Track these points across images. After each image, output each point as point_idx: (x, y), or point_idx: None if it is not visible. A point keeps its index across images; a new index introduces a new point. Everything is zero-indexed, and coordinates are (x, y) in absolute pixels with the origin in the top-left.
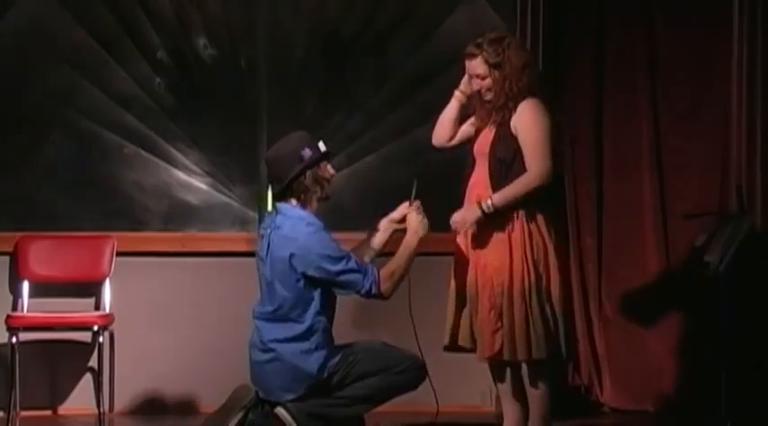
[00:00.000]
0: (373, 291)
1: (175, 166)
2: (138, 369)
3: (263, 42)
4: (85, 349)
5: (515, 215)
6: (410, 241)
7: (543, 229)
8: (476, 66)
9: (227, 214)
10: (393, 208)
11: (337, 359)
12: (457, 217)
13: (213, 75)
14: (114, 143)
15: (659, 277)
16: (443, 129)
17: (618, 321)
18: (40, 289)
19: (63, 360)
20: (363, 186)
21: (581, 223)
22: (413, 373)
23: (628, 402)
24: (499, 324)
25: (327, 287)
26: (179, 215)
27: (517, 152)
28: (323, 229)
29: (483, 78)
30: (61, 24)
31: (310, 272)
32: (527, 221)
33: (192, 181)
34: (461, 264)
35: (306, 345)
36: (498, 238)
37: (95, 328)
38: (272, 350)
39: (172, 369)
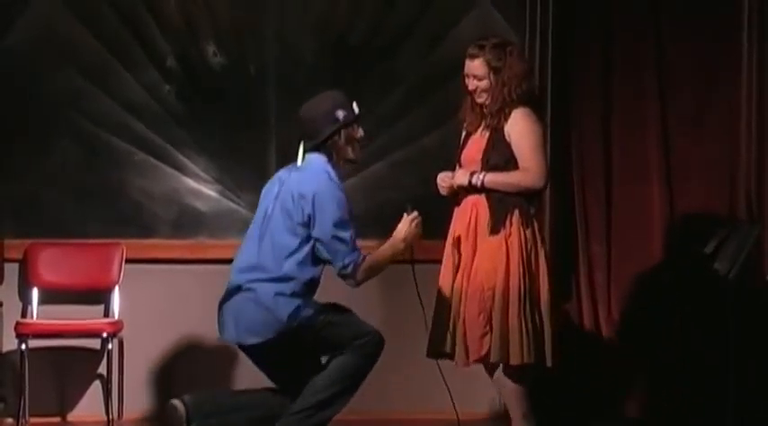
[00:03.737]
0: (349, 271)
1: (184, 173)
2: (147, 376)
3: (272, 49)
4: (95, 356)
5: (512, 220)
6: (395, 243)
7: (537, 235)
8: (476, 66)
9: (235, 221)
10: (401, 215)
11: (311, 312)
12: (445, 176)
13: (222, 81)
14: (123, 150)
15: (668, 284)
16: None
17: (626, 328)
18: (50, 296)
19: (72, 367)
20: (372, 193)
21: (589, 230)
22: (373, 348)
23: (635, 410)
24: (487, 328)
25: (315, 242)
26: (188, 222)
27: (510, 159)
28: (343, 191)
29: (480, 79)
30: (70, 31)
31: (313, 222)
32: (523, 227)
33: (200, 188)
34: (449, 270)
35: (282, 287)
36: (495, 243)
37: (104, 335)
38: (250, 290)
39: (181, 376)
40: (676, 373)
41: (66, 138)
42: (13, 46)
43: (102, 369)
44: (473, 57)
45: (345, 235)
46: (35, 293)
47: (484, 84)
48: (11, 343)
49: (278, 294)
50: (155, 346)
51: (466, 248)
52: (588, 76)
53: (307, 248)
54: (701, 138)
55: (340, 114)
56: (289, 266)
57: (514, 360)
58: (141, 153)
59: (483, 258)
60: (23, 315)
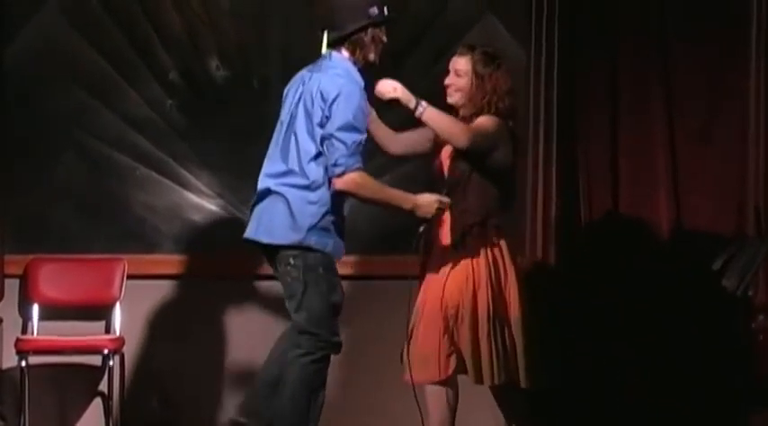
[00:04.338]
0: (338, 171)
1: (187, 188)
2: (148, 394)
3: (276, 62)
4: (95, 373)
5: (477, 236)
6: (409, 198)
7: (506, 254)
8: (461, 62)
9: (238, 236)
10: (408, 230)
11: (327, 247)
12: (388, 83)
13: (225, 95)
14: (126, 165)
15: (675, 301)
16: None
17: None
18: (50, 312)
19: (73, 384)
20: (378, 208)
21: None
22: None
23: None
24: (452, 348)
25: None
26: (190, 237)
27: (474, 169)
28: (362, 91)
29: (459, 76)
30: (73, 46)
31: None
32: (489, 243)
33: (203, 203)
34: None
35: (310, 196)
36: (462, 263)
37: (105, 352)
38: (279, 193)
39: (183, 394)
40: (683, 390)
41: (67, 153)
42: (14, 61)
43: (104, 387)
44: (461, 54)
45: (347, 137)
46: (35, 309)
47: (461, 82)
48: (11, 360)
49: (306, 202)
50: (157, 363)
51: (439, 264)
52: (594, 91)
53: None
54: (708, 153)
55: (373, 11)
56: (314, 172)
57: (485, 381)
58: (143, 167)
59: (451, 276)
60: (24, 331)
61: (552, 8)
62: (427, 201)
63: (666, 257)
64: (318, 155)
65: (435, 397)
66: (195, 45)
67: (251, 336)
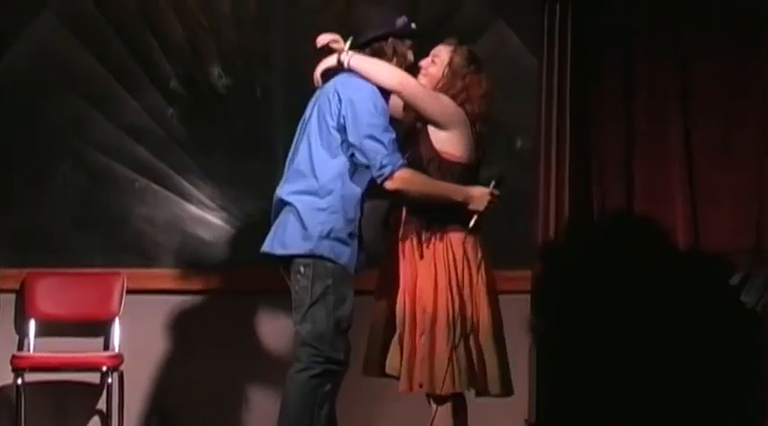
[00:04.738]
0: (386, 174)
1: (188, 200)
2: (148, 413)
3: (280, 71)
4: (94, 390)
5: (437, 237)
6: (462, 190)
7: (470, 253)
8: (441, 50)
9: (241, 250)
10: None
11: (343, 258)
12: (328, 35)
13: (228, 104)
14: (125, 176)
15: (692, 318)
16: None
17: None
18: (47, 328)
19: (70, 402)
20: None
21: None
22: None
23: None
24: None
25: (351, 149)
26: (192, 251)
27: (434, 157)
28: (382, 99)
29: (434, 63)
30: (70, 53)
31: (347, 125)
32: (450, 245)
33: (205, 216)
34: (390, 286)
35: (320, 202)
36: (426, 261)
37: (104, 369)
38: (290, 203)
39: (184, 413)
40: (702, 407)
41: (65, 164)
42: (9, 68)
43: (102, 405)
44: (446, 43)
45: (383, 136)
46: (32, 325)
47: (433, 69)
48: (7, 377)
49: (315, 209)
50: (157, 381)
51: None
52: (609, 101)
53: (343, 157)
54: (727, 166)
55: (399, 22)
56: (325, 177)
57: (442, 389)
58: (143, 179)
59: (421, 276)
60: (20, 347)
61: (565, 15)
62: (480, 193)
63: (682, 272)
64: (332, 159)
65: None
66: (196, 52)
67: (255, 353)
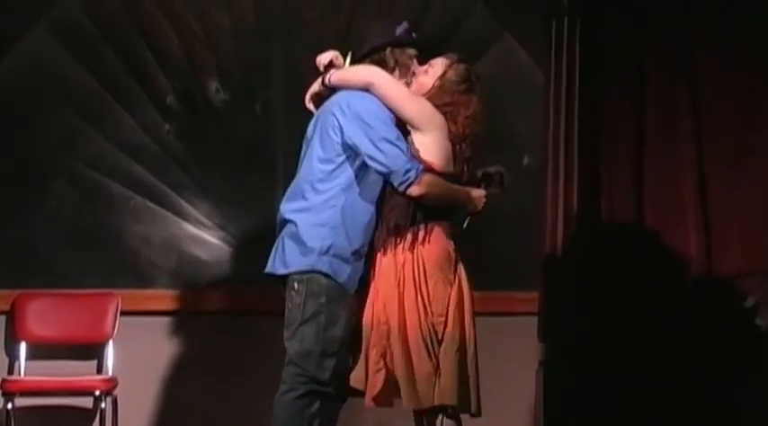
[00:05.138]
0: (411, 178)
1: (185, 219)
2: None
3: (280, 85)
4: (87, 416)
5: (402, 243)
6: (464, 191)
7: (442, 261)
8: (437, 62)
9: (239, 270)
10: None
11: (343, 276)
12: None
13: (226, 120)
14: (120, 194)
15: (704, 341)
16: None
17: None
18: (39, 351)
19: None
20: None
21: None
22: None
23: None
24: (381, 364)
25: (366, 158)
26: (188, 271)
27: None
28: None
29: (427, 73)
30: (64, 67)
31: (351, 138)
32: (418, 251)
33: (202, 235)
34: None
35: (319, 218)
36: (389, 269)
37: (97, 393)
38: (291, 221)
39: None
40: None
41: (58, 182)
42: (1, 84)
43: None
44: (445, 56)
45: (398, 142)
46: (23, 347)
47: (423, 78)
48: None
49: (314, 224)
50: (151, 405)
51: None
52: (619, 117)
53: (345, 172)
54: (740, 182)
55: (397, 30)
56: (327, 193)
57: (409, 403)
58: (138, 197)
59: (382, 284)
60: (10, 371)
61: (573, 28)
62: (478, 195)
63: (694, 293)
64: (333, 172)
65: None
66: (194, 66)
67: (253, 376)
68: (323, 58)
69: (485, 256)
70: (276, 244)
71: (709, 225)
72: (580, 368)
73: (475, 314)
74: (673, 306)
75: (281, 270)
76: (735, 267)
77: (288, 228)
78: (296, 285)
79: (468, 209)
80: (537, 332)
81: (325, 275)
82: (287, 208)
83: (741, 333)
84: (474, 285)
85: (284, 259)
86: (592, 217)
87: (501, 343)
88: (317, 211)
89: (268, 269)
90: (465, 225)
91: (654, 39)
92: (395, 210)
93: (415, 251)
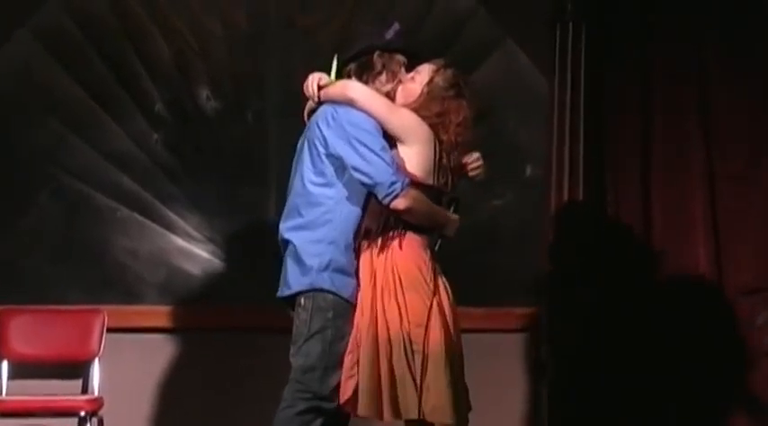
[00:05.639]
0: (396, 191)
1: (174, 231)
2: None
3: (272, 94)
4: None
5: (374, 248)
6: (443, 212)
7: (416, 269)
8: (423, 69)
9: (230, 285)
10: None
11: (347, 291)
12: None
13: (216, 129)
14: (106, 205)
15: (715, 358)
16: None
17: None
18: (22, 370)
19: None
20: None
21: None
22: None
23: None
24: (354, 371)
25: (351, 170)
26: (177, 286)
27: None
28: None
29: (414, 80)
30: (48, 74)
31: (339, 147)
32: (391, 257)
33: (191, 248)
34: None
35: (315, 234)
36: (364, 274)
37: (82, 414)
38: (289, 241)
39: None
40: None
41: (42, 193)
42: None
43: None
44: (431, 62)
45: (384, 155)
46: (5, 366)
47: (410, 86)
48: None
49: (310, 241)
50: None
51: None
52: (625, 126)
53: (336, 184)
54: (750, 194)
55: (387, 34)
56: (320, 208)
57: (389, 416)
58: (125, 209)
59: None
60: None
61: (578, 34)
62: (453, 220)
63: (703, 311)
64: (324, 186)
65: None
66: (184, 73)
67: (245, 395)
68: (310, 87)
69: (485, 271)
70: (283, 268)
71: (720, 238)
72: (580, 368)
73: (461, 329)
74: (681, 320)
75: (285, 292)
76: (745, 282)
77: (289, 249)
78: (302, 301)
79: (444, 232)
80: (536, 346)
81: (328, 291)
82: (285, 228)
83: (751, 351)
84: (472, 301)
85: (287, 280)
86: (597, 230)
87: (501, 359)
88: (314, 227)
89: (278, 293)
90: (437, 247)
91: (660, 43)
92: (370, 216)
93: (388, 257)
